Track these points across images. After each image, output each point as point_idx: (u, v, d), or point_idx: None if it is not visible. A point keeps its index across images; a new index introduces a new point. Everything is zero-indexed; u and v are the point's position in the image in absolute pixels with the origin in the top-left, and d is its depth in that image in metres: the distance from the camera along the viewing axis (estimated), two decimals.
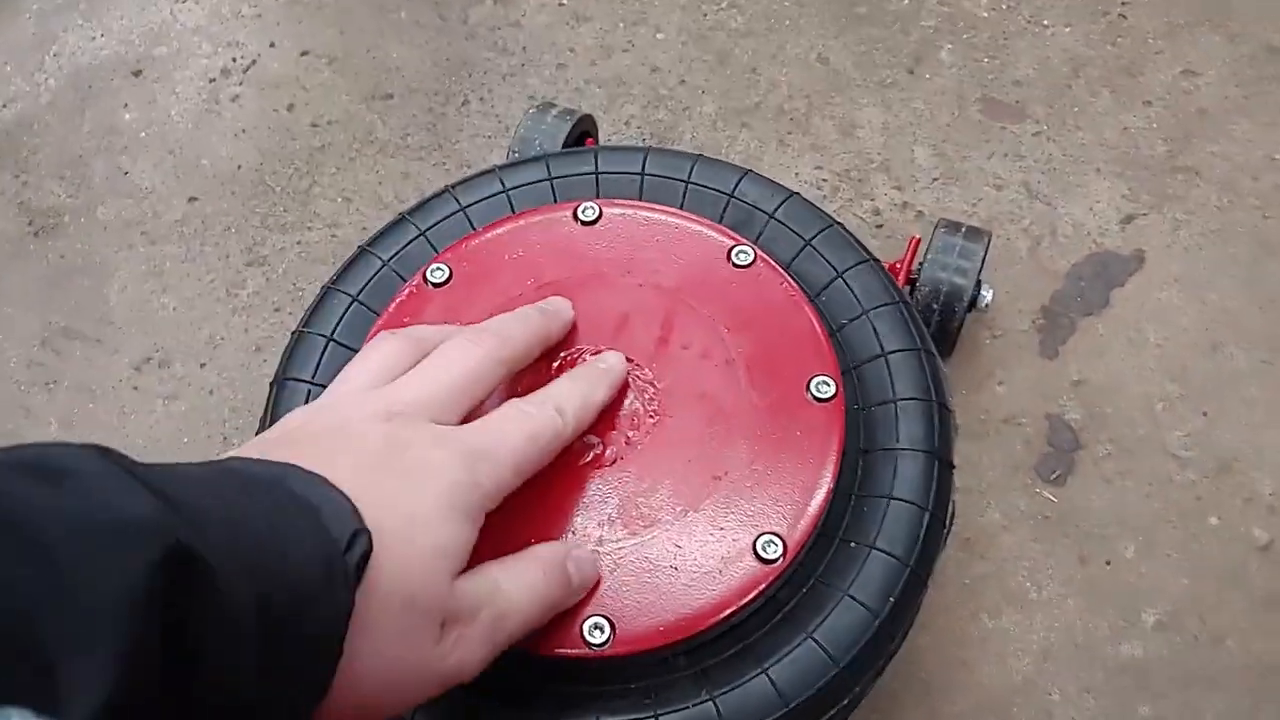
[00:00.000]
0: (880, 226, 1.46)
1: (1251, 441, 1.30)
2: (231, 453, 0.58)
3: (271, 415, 0.93)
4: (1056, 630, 1.20)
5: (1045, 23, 1.64)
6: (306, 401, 0.93)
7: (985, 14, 1.65)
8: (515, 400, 0.76)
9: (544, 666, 0.81)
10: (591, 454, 0.85)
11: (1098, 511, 1.27)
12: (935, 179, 1.50)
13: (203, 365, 1.40)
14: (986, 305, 1.26)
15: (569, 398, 0.80)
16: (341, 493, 0.53)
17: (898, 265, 1.25)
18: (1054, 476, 1.29)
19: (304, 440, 0.59)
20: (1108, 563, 1.24)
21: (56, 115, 1.61)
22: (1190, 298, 1.40)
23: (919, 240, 1.29)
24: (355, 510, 0.52)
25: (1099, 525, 1.26)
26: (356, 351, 0.92)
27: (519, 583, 0.70)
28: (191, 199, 1.54)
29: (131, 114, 1.61)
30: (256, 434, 0.96)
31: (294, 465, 0.53)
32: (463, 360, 0.74)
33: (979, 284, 1.24)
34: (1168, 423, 1.32)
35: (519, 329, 0.82)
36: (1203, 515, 1.26)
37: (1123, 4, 1.65)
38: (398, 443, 0.60)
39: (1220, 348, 1.36)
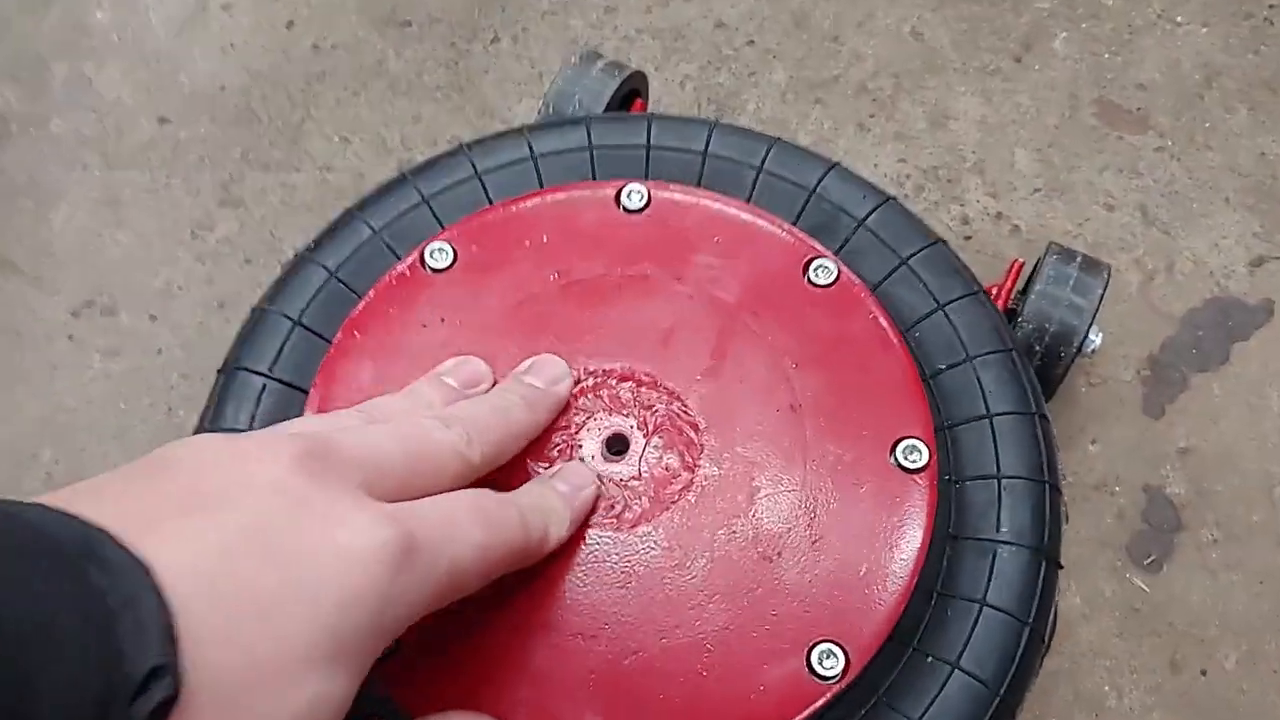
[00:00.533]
0: (969, 239, 1.31)
1: None
2: (65, 490, 0.42)
3: (215, 410, 0.79)
4: None
5: (1179, 19, 1.48)
6: (259, 402, 0.78)
7: (1110, 1, 1.48)
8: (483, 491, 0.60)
9: None
10: (611, 510, 0.71)
11: (1197, 608, 1.12)
12: (1037, 189, 1.35)
13: (153, 318, 1.26)
14: (1094, 351, 1.11)
15: (545, 504, 0.66)
16: (161, 597, 0.36)
17: (993, 291, 1.10)
18: (1148, 561, 1.15)
19: (162, 482, 0.42)
20: (1203, 672, 1.09)
21: (16, 5, 1.46)
22: None
23: (1022, 265, 1.14)
24: (171, 631, 0.36)
25: (1197, 625, 1.12)
26: (328, 340, 0.78)
27: None
28: (163, 120, 1.39)
29: (104, 13, 1.46)
30: (199, 423, 0.81)
31: (107, 533, 0.37)
32: (422, 437, 0.58)
33: (1090, 325, 1.09)
34: None
35: (498, 426, 0.66)
36: None
37: (1270, 7, 1.48)
38: (296, 502, 0.43)
39: None
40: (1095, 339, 1.11)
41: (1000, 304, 1.08)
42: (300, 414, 0.75)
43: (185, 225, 1.31)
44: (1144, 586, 1.14)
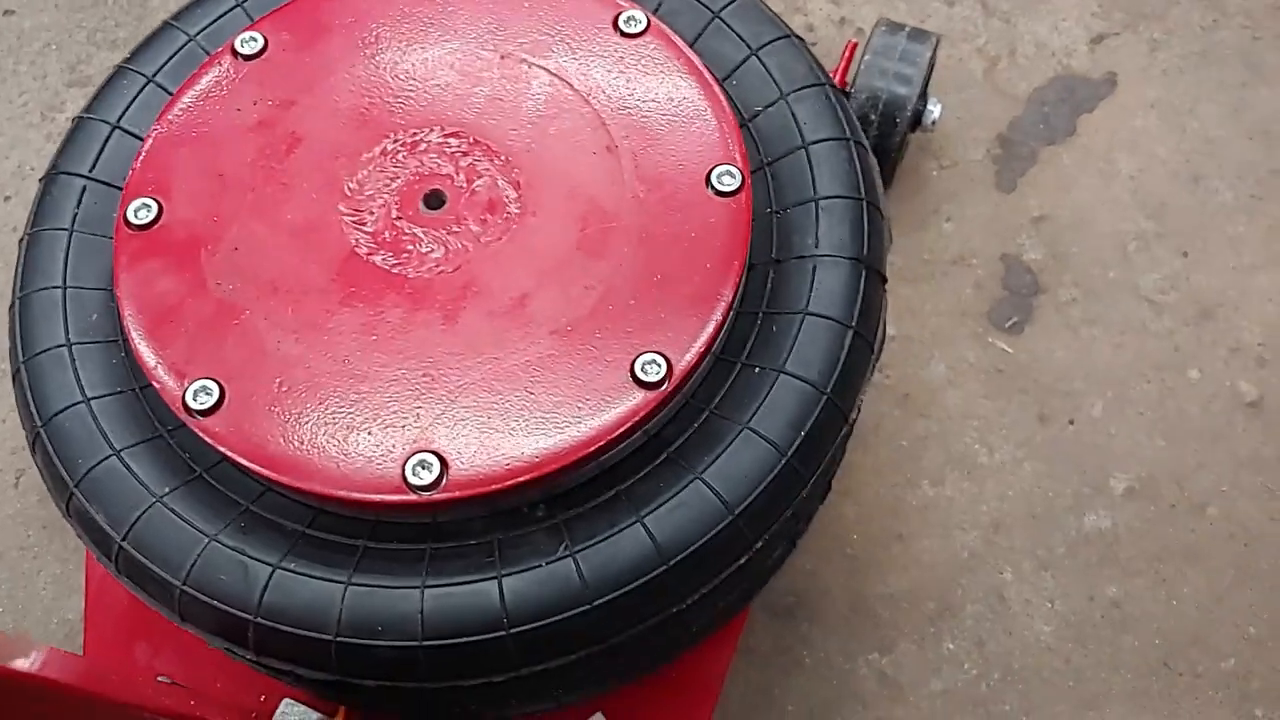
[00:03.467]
0: (814, 45, 1.30)
1: (1237, 285, 1.17)
2: None
3: (37, 212, 0.77)
4: (1010, 499, 1.07)
5: None
6: (80, 201, 0.77)
7: None
8: None
9: (360, 520, 0.67)
10: (430, 257, 0.71)
11: (1060, 364, 1.14)
12: None
13: (7, 198, 1.23)
14: (933, 123, 1.11)
15: None
16: None
17: (834, 75, 1.09)
18: (1010, 324, 1.16)
19: None
20: (1071, 422, 1.11)
21: None
22: (1169, 125, 1.27)
23: (855, 45, 1.14)
24: None
25: (1061, 380, 1.13)
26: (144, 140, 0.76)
27: None
28: (7, 12, 1.35)
29: None
30: (24, 229, 0.79)
31: None
32: None
33: (925, 95, 1.09)
34: (1142, 264, 1.19)
35: None
36: (1181, 368, 1.13)
37: None
38: None
39: (1202, 180, 1.23)
40: (934, 110, 1.11)
41: (839, 82, 1.07)
42: (116, 213, 0.74)
43: (35, 108, 1.28)
44: (1007, 349, 1.14)
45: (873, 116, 1.06)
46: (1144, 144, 1.26)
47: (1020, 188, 1.23)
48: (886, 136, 1.07)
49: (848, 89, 1.10)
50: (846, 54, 1.13)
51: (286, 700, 0.90)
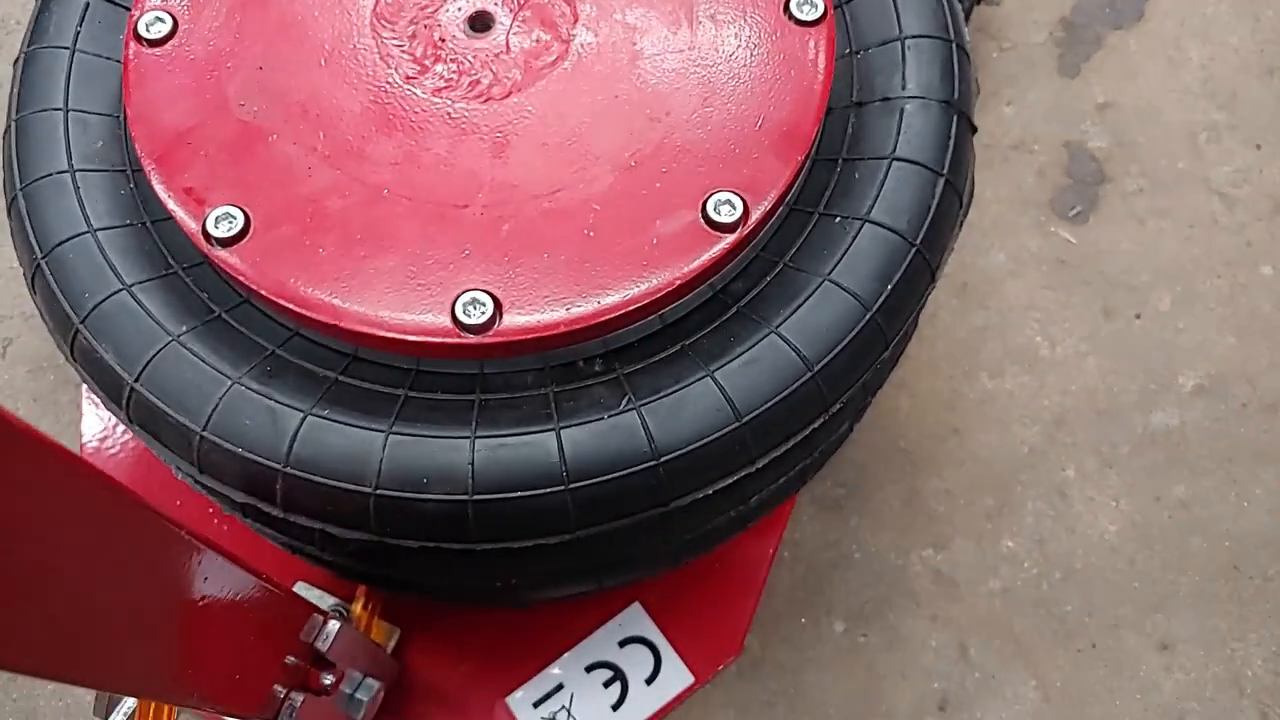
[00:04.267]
0: None
1: None
2: None
3: (34, 29, 0.71)
4: (1073, 394, 1.01)
5: None
6: (83, 18, 0.70)
7: None
8: None
9: (395, 366, 0.60)
10: (476, 83, 0.64)
11: (1126, 256, 1.07)
12: None
13: None
14: None
15: None
16: None
17: None
18: (1073, 213, 1.09)
19: None
20: (1138, 316, 1.04)
21: None
22: (1242, 13, 1.20)
23: None
24: None
25: (1127, 272, 1.06)
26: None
27: None
28: None
29: None
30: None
31: None
32: None
33: None
34: (1213, 156, 1.12)
35: None
36: (1254, 263, 1.07)
37: None
38: None
39: (1276, 72, 1.17)
40: None
41: None
42: (125, 32, 0.66)
43: None
44: (1070, 239, 1.08)
45: None
46: (1215, 32, 1.19)
47: (1084, 73, 1.16)
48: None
49: None
50: None
51: (300, 584, 0.84)
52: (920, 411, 1.00)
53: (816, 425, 0.62)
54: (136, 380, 0.60)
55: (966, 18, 1.04)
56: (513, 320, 0.57)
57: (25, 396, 1.06)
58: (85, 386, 0.86)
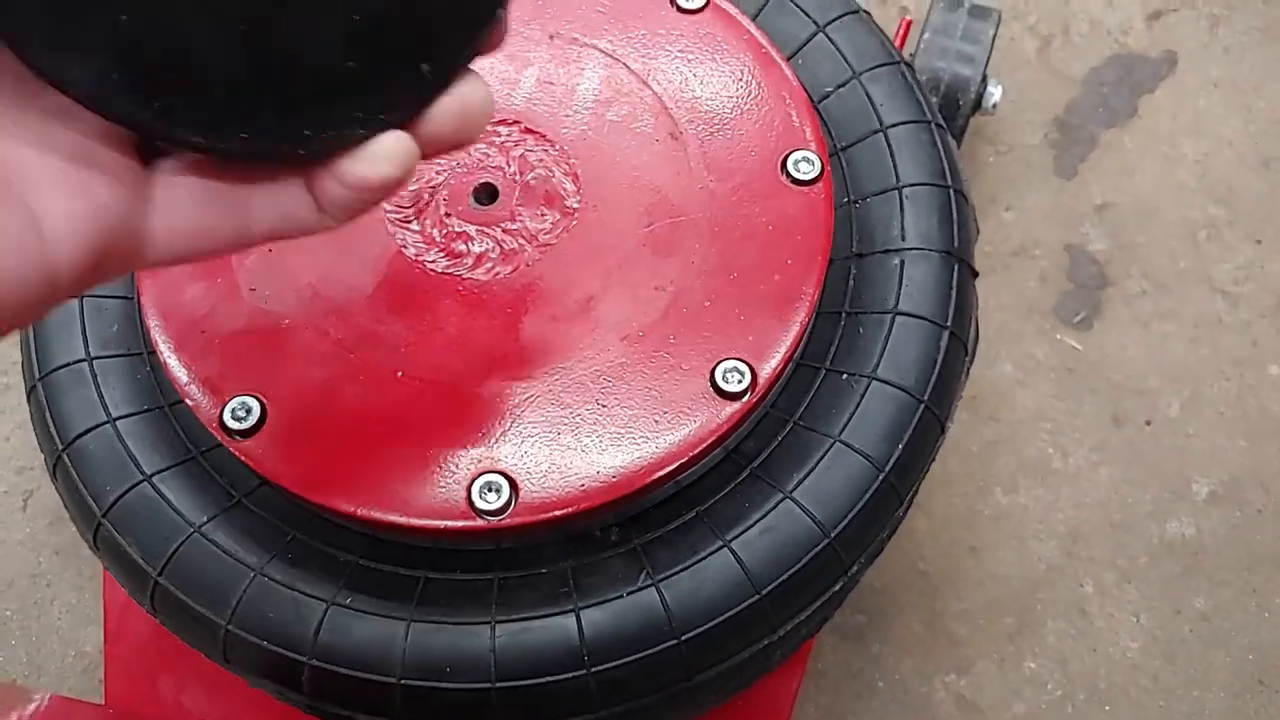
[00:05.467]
0: None
1: None
2: None
3: None
4: (1087, 506, 1.02)
5: None
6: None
7: None
8: None
9: (419, 548, 0.62)
10: (487, 261, 0.66)
11: (1133, 361, 1.09)
12: None
13: None
14: (994, 106, 1.06)
15: None
16: None
17: None
18: (1078, 319, 1.11)
19: None
20: (1148, 423, 1.06)
21: None
22: (1234, 105, 1.22)
23: (910, 23, 1.09)
24: None
25: (1135, 377, 1.08)
26: None
27: None
28: None
29: None
30: None
31: None
32: None
33: (985, 77, 1.04)
34: (1213, 253, 1.14)
35: None
36: (1261, 362, 1.08)
37: None
38: None
39: (1272, 164, 1.19)
40: (995, 92, 1.07)
41: None
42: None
43: None
44: (1076, 345, 1.10)
45: (934, 99, 1.01)
46: (1209, 126, 1.21)
47: (1081, 173, 1.19)
48: (949, 120, 1.03)
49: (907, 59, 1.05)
50: (901, 32, 1.09)
51: None
52: (937, 531, 1.01)
53: (837, 587, 0.64)
54: (160, 574, 0.62)
55: (964, 130, 1.07)
56: (529, 502, 0.58)
57: (47, 550, 1.08)
58: None
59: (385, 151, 0.41)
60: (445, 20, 0.40)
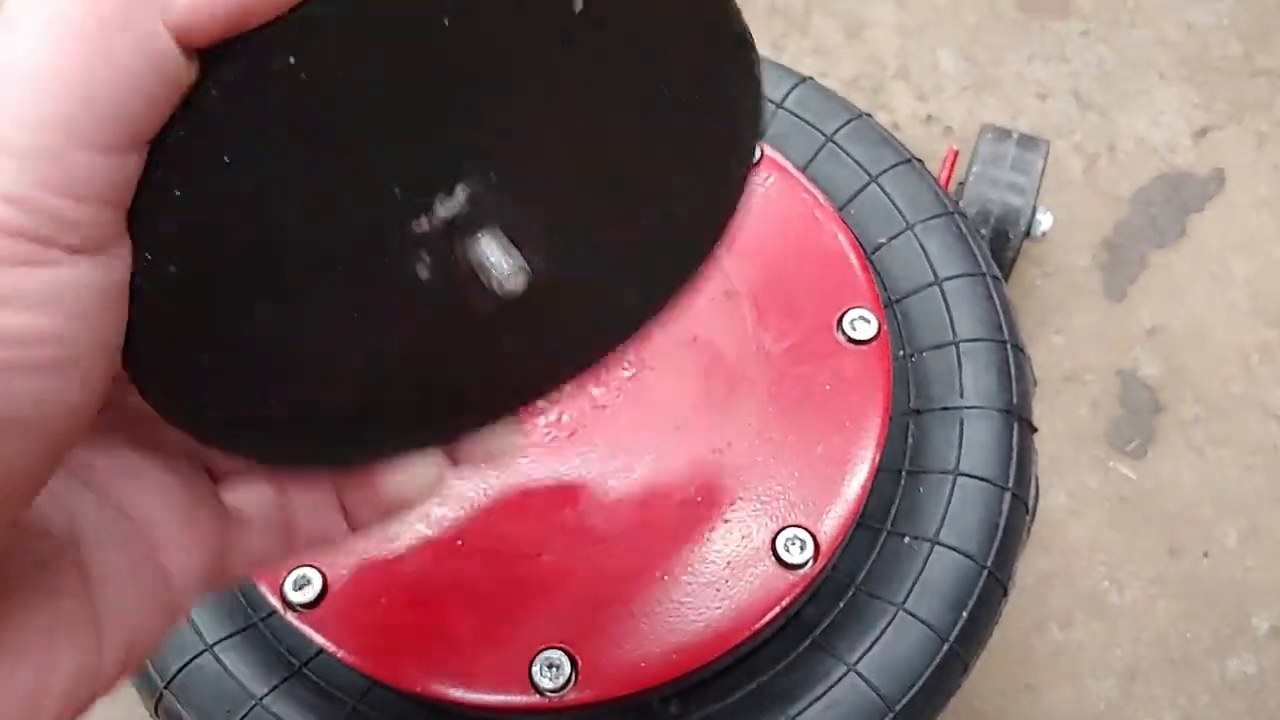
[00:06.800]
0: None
1: None
2: None
3: None
4: (1145, 642, 1.02)
5: None
6: None
7: None
8: None
9: (479, 718, 0.62)
10: (541, 419, 0.66)
11: (1188, 489, 1.08)
12: (965, 87, 1.31)
13: None
14: (1044, 233, 1.08)
15: None
16: None
17: None
18: (1131, 447, 1.11)
19: None
20: (1205, 554, 1.06)
21: None
22: None
23: (958, 153, 1.11)
24: None
25: (1190, 506, 1.08)
26: None
27: None
28: None
29: None
30: None
31: None
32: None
33: (1035, 206, 1.05)
34: (1267, 377, 1.14)
35: None
36: None
37: None
38: None
39: None
40: (1043, 219, 1.08)
41: None
42: None
43: None
44: (1130, 474, 1.10)
45: (983, 231, 1.02)
46: (1260, 245, 1.22)
47: (1130, 295, 1.19)
48: (999, 252, 1.04)
49: (960, 207, 1.06)
50: (949, 162, 1.10)
51: None
52: (992, 668, 1.01)
53: None
54: None
55: (1015, 258, 1.08)
56: (590, 679, 0.59)
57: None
58: None
59: (426, 474, 0.40)
60: None
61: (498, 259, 0.33)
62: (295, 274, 0.32)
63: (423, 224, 0.33)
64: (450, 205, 0.33)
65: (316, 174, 0.29)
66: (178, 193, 0.27)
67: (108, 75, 0.25)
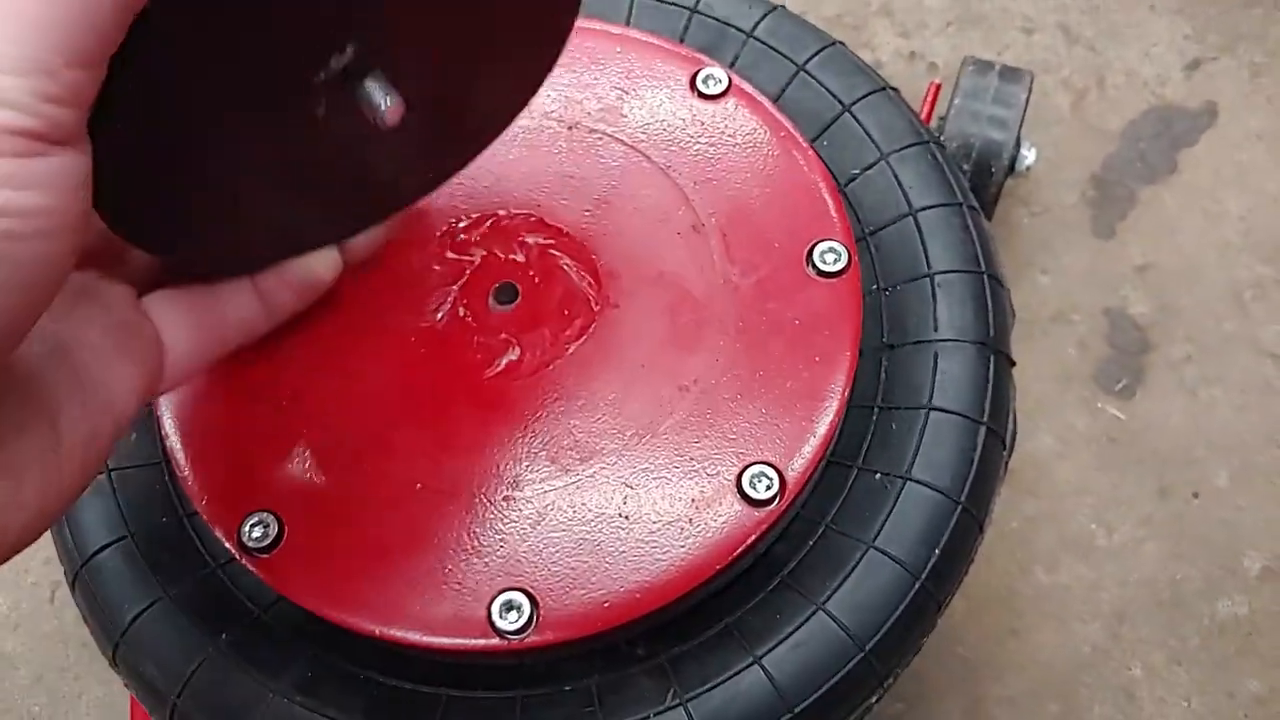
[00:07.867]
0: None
1: None
2: None
3: None
4: (1133, 585, 1.02)
5: None
6: None
7: None
8: None
9: (439, 664, 0.62)
10: (504, 360, 0.66)
11: (1178, 430, 1.08)
12: (948, 23, 1.30)
13: None
14: (1028, 169, 1.06)
15: None
16: None
17: None
18: (1120, 387, 1.10)
19: None
20: (1195, 495, 1.05)
21: None
22: (1278, 156, 1.21)
23: (939, 86, 1.09)
24: None
25: (1181, 448, 1.07)
26: None
27: None
28: None
29: None
30: None
31: None
32: None
33: (1018, 140, 1.04)
34: (1260, 314, 1.13)
35: None
36: None
37: None
38: None
39: None
40: (1028, 155, 1.07)
41: None
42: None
43: None
44: (1119, 414, 1.09)
45: (965, 166, 1.01)
46: (1253, 179, 1.21)
47: (1120, 233, 1.18)
48: (981, 188, 1.03)
49: (936, 135, 1.05)
50: (930, 97, 1.09)
51: None
52: (976, 613, 1.00)
53: (873, 701, 0.63)
54: (179, 696, 0.62)
55: (998, 194, 1.07)
56: (551, 620, 0.58)
57: (74, 642, 1.08)
58: None
59: (326, 260, 0.58)
60: None
61: (379, 98, 0.47)
62: (229, 117, 0.43)
63: (319, 75, 0.45)
64: (341, 60, 0.45)
65: (238, 44, 0.40)
66: (137, 77, 0.37)
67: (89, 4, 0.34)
